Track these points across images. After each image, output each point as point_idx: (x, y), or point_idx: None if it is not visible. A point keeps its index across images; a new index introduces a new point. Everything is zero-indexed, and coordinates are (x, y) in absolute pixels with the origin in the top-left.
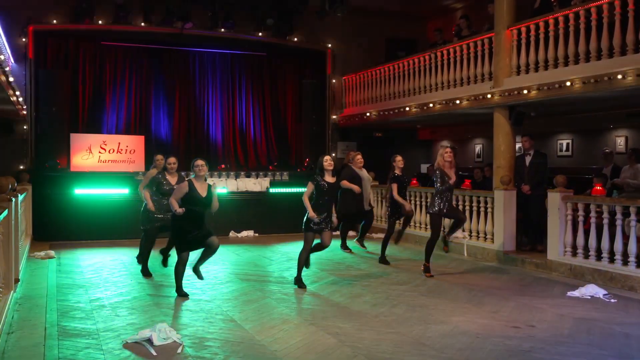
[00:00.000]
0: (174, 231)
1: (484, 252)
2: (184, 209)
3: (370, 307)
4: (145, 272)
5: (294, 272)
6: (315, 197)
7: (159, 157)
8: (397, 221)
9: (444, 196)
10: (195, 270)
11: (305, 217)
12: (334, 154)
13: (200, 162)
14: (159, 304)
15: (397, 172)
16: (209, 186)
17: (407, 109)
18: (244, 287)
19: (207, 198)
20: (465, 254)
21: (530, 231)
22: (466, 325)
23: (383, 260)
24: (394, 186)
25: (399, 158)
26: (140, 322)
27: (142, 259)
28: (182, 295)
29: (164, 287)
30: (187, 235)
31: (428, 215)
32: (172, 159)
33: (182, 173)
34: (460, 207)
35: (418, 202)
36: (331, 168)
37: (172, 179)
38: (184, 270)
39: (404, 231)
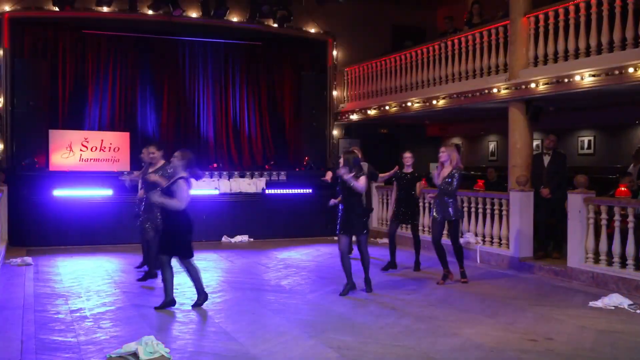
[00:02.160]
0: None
1: (498, 259)
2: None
3: (375, 318)
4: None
5: (291, 280)
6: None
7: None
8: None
9: (435, 201)
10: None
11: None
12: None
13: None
14: (145, 315)
15: (404, 170)
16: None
17: (415, 103)
18: (237, 296)
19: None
20: (478, 261)
21: (543, 237)
22: (479, 338)
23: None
24: (394, 185)
25: (406, 155)
26: (125, 335)
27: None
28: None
29: (150, 297)
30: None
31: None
32: (150, 148)
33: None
34: (472, 210)
35: (427, 205)
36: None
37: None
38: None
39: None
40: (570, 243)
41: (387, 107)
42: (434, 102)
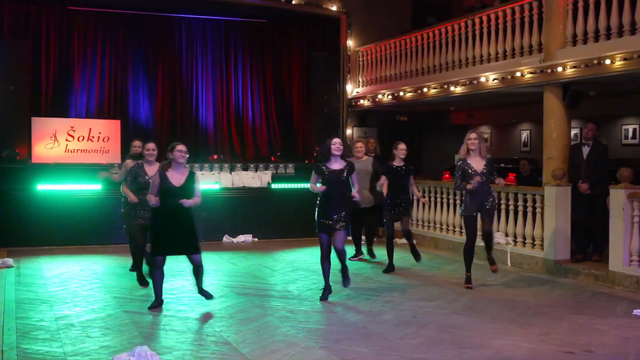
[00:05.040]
0: (150, 229)
1: (531, 262)
2: (157, 198)
3: (394, 328)
4: (142, 281)
5: (300, 285)
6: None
7: (137, 143)
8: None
9: (469, 194)
10: (200, 292)
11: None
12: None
13: (182, 147)
14: (137, 323)
15: (395, 162)
16: (191, 174)
17: (436, 88)
18: (240, 302)
19: (182, 188)
20: (509, 264)
21: (581, 237)
22: (510, 350)
23: (388, 268)
24: (383, 178)
25: (401, 146)
26: (115, 345)
27: (135, 266)
28: (153, 306)
29: (143, 303)
30: (160, 233)
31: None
32: (150, 145)
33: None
34: (503, 207)
35: (445, 200)
36: (339, 153)
37: (151, 170)
38: (160, 277)
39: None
40: (612, 244)
41: (406, 92)
42: (447, 87)
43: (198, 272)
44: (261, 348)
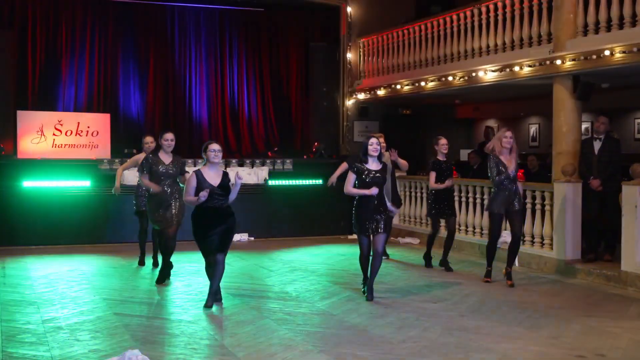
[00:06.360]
0: (193, 232)
1: (540, 261)
2: (208, 190)
3: (396, 331)
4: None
5: (298, 286)
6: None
7: (149, 139)
8: (441, 220)
9: (500, 192)
10: (214, 293)
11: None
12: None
13: (216, 146)
14: (128, 326)
15: (439, 157)
16: (224, 173)
17: (443, 79)
18: (235, 304)
19: (220, 187)
20: (517, 264)
21: (593, 236)
22: (518, 354)
23: (444, 263)
24: (432, 175)
25: (443, 141)
26: (105, 349)
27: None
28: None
29: (134, 305)
30: (207, 234)
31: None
32: (169, 135)
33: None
34: None
35: (456, 198)
36: (376, 154)
37: (166, 159)
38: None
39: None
40: (624, 243)
41: (410, 84)
42: (452, 79)
43: (219, 270)
44: (257, 352)
